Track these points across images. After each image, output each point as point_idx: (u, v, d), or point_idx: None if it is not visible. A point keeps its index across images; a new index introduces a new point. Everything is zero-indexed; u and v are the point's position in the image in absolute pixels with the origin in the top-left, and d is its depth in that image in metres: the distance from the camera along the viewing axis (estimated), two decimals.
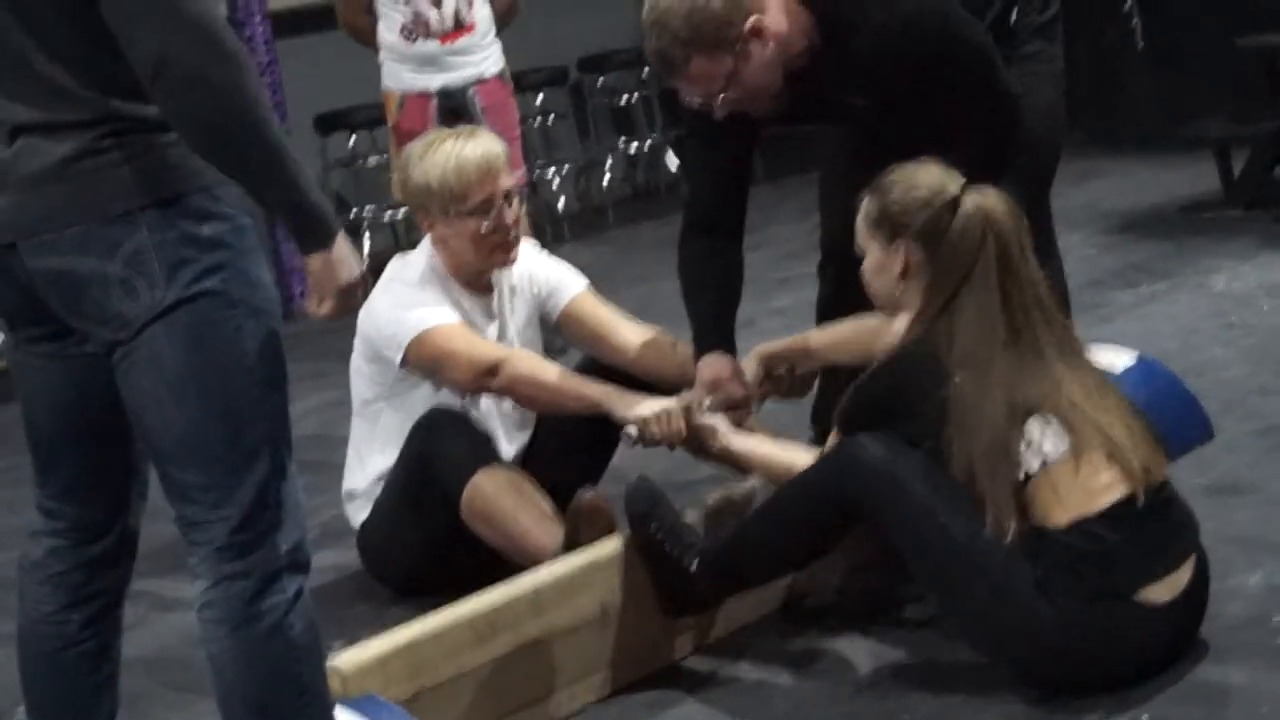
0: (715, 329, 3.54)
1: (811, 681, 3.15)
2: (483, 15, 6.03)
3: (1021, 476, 2.89)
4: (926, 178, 3.07)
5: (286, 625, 2.39)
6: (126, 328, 2.34)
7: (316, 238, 2.37)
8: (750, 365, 3.53)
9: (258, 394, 2.38)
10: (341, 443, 3.95)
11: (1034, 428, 2.90)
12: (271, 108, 2.33)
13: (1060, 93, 3.69)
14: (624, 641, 3.20)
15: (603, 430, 3.72)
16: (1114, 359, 3.47)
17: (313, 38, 7.91)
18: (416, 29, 5.97)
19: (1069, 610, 2.83)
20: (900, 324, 3.10)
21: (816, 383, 3.72)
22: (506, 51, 6.15)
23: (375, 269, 3.19)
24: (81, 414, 2.51)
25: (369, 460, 3.81)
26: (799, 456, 3.23)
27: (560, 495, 3.49)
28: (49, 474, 2.57)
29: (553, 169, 9.03)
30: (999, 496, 2.85)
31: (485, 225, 3.67)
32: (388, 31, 6.02)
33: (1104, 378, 3.08)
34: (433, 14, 5.95)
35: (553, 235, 8.35)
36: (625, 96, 9.51)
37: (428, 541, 3.66)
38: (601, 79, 9.37)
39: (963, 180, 3.05)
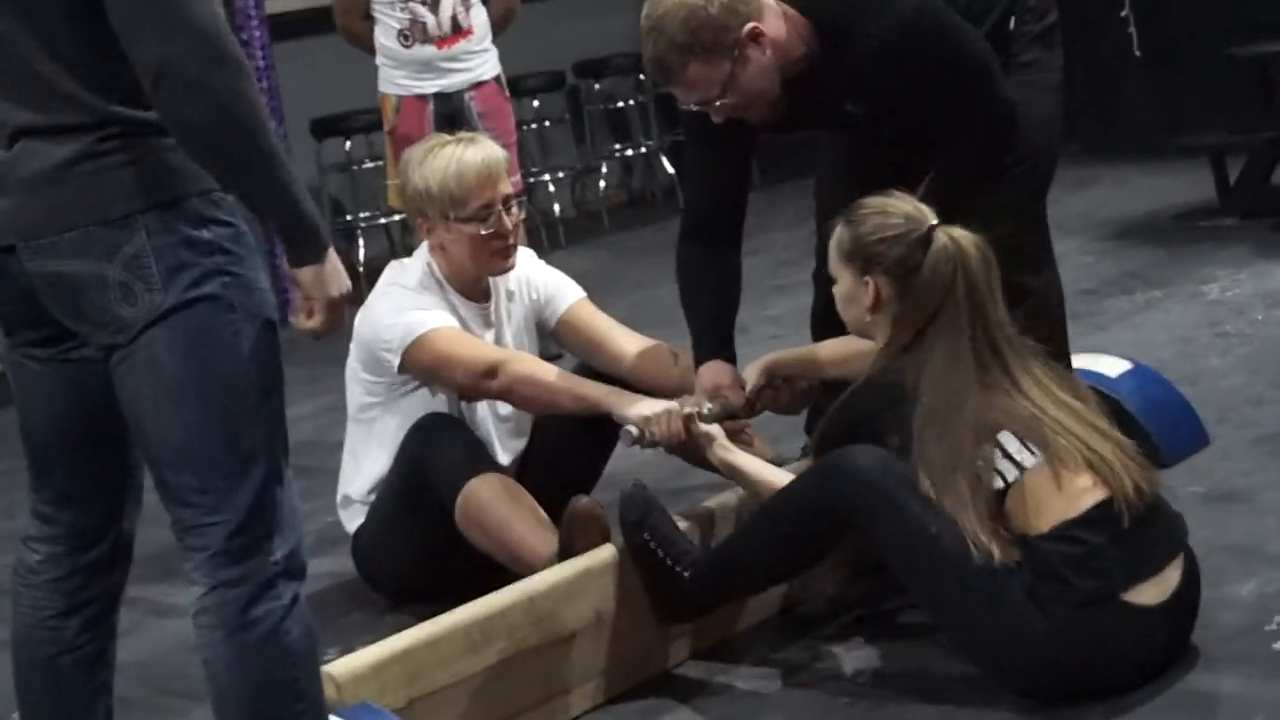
0: (714, 336, 3.54)
1: (805, 690, 3.15)
2: (480, 20, 6.04)
3: (1000, 485, 2.89)
4: (899, 212, 3.08)
5: (282, 631, 2.39)
6: (125, 331, 2.33)
7: (309, 249, 2.36)
8: (752, 374, 3.53)
9: (255, 399, 2.37)
10: (337, 448, 3.94)
11: (1008, 439, 2.92)
12: (269, 115, 2.33)
13: (1058, 101, 3.67)
14: (618, 649, 3.20)
15: (598, 437, 3.72)
16: (1109, 366, 3.48)
17: (310, 42, 7.91)
18: (414, 34, 5.97)
19: (1060, 618, 2.82)
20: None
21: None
22: (503, 56, 6.15)
23: (370, 274, 3.18)
24: (78, 419, 2.50)
25: (365, 466, 3.79)
26: (790, 480, 3.22)
27: (555, 503, 3.48)
28: (45, 479, 2.57)
29: (549, 174, 9.04)
30: (973, 519, 2.85)
31: (485, 231, 3.67)
32: (385, 36, 6.03)
33: (1092, 403, 3.06)
34: (430, 19, 5.95)
35: (549, 241, 8.35)
36: (621, 102, 9.53)
37: (422, 548, 3.65)
38: (598, 84, 9.39)
39: (935, 217, 3.06)
